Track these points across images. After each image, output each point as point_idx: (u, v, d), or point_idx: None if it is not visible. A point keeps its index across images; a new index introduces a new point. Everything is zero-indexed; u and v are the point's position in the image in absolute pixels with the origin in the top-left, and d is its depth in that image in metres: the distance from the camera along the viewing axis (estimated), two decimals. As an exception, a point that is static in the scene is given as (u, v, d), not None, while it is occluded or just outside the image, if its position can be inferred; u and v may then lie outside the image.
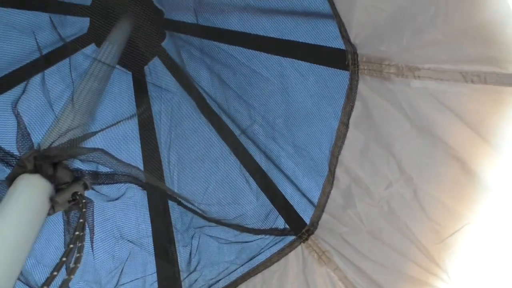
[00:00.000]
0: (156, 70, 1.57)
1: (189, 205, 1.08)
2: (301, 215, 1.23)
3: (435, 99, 0.83)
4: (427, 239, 0.96)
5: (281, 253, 1.22)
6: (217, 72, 1.44)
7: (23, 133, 0.75)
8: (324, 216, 1.16)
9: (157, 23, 1.47)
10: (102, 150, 0.75)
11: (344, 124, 0.99)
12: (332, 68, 1.04)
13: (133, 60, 1.44)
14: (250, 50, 1.27)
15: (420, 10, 0.74)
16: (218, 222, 1.13)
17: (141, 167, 1.46)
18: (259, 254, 1.21)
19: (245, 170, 1.22)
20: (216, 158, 1.30)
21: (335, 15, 0.85)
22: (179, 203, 1.09)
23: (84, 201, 0.69)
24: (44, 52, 1.43)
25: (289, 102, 1.24)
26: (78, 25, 1.49)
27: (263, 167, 1.24)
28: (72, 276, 0.61)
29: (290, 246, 1.22)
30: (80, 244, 0.63)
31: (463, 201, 0.90)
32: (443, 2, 0.71)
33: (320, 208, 1.16)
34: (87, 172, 0.75)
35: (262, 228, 1.19)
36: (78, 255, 0.63)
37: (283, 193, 1.25)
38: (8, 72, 1.33)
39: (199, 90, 1.48)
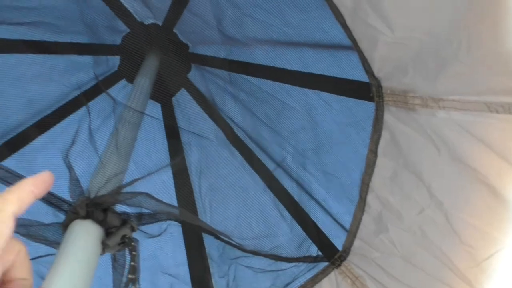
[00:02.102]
0: (183, 100, 1.63)
1: (225, 239, 1.11)
2: (333, 242, 1.26)
3: (461, 127, 0.86)
4: (462, 263, 0.97)
5: (315, 280, 1.24)
6: (243, 101, 1.49)
7: (74, 181, 0.80)
8: (356, 242, 1.18)
9: (183, 56, 1.54)
10: (146, 194, 0.80)
11: (373, 152, 1.02)
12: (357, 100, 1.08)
13: (161, 92, 1.50)
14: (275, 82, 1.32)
15: (443, 44, 0.77)
16: (254, 252, 1.16)
17: (174, 197, 1.52)
18: (294, 281, 1.24)
19: (279, 203, 1.25)
20: (250, 193, 1.34)
21: (357, 52, 0.89)
22: (216, 237, 1.13)
23: (133, 244, 0.73)
24: (81, 90, 1.52)
25: (317, 130, 1.28)
26: (109, 63, 1.57)
27: (295, 197, 1.27)
28: None
29: (323, 273, 1.24)
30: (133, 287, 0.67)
31: (496, 225, 0.91)
32: (465, 36, 0.73)
33: (352, 234, 1.18)
34: (132, 214, 0.80)
35: (296, 257, 1.22)
36: None
37: (315, 220, 1.28)
38: (50, 112, 1.41)
39: (227, 119, 1.53)
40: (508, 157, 0.83)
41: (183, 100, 1.61)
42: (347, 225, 1.26)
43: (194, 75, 1.60)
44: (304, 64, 1.23)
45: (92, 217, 0.72)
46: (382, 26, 0.79)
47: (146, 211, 0.84)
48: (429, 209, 0.97)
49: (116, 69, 1.58)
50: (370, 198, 1.08)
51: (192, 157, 1.63)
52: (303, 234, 1.25)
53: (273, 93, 1.38)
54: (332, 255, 1.25)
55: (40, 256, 0.86)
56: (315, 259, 1.23)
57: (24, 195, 0.44)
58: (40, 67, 1.37)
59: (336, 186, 1.31)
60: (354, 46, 0.89)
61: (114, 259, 0.83)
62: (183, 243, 1.48)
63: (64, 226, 0.72)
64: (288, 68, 1.26)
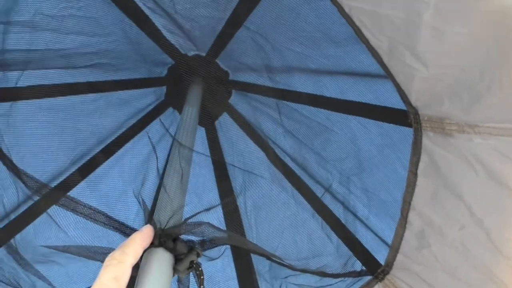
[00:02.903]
0: (226, 125, 1.74)
1: (276, 259, 1.20)
2: (376, 257, 1.33)
3: (497, 151, 0.92)
4: (505, 276, 1.02)
5: (360, 292, 1.32)
6: (285, 125, 1.59)
7: (147, 215, 0.91)
8: (399, 257, 1.24)
9: (224, 83, 1.65)
10: (208, 224, 0.90)
11: (413, 173, 1.09)
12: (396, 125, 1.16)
13: (205, 117, 1.61)
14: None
15: (476, 80, 0.84)
16: (303, 270, 1.24)
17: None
18: (340, 294, 1.32)
19: (326, 225, 1.34)
20: (298, 220, 1.43)
21: (395, 85, 0.97)
22: (268, 258, 1.22)
23: (200, 268, 0.83)
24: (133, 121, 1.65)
25: (357, 153, 1.36)
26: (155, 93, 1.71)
27: (341, 218, 1.35)
28: None
29: (368, 286, 1.31)
30: None
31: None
32: (496, 75, 0.81)
33: (394, 249, 1.25)
34: (196, 242, 0.90)
35: (342, 273, 1.29)
36: None
37: (358, 238, 1.35)
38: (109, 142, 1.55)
39: (271, 144, 1.62)
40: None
41: (225, 124, 1.72)
42: (389, 241, 1.33)
43: (235, 100, 1.71)
44: (341, 91, 1.31)
45: (164, 245, 0.82)
46: (417, 64, 0.87)
47: (207, 237, 0.94)
48: (469, 227, 1.03)
49: (163, 98, 1.71)
50: (411, 216, 1.15)
51: (236, 177, 1.73)
52: (348, 252, 1.33)
53: (311, 116, 1.47)
54: (375, 270, 1.32)
55: None
56: (359, 274, 1.31)
57: (137, 247, 0.57)
58: (97, 103, 1.52)
59: (377, 204, 1.39)
60: (392, 80, 0.97)
61: (179, 281, 0.94)
62: (232, 258, 1.58)
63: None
64: (327, 95, 1.35)
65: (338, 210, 1.42)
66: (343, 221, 1.41)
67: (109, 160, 1.55)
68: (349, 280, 1.31)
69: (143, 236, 0.59)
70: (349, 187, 1.41)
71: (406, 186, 1.13)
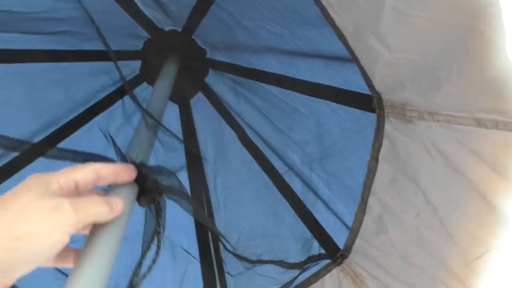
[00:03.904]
0: (200, 103, 1.73)
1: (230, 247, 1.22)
2: (336, 241, 1.34)
3: (455, 140, 0.93)
4: (455, 262, 1.05)
5: (317, 276, 1.34)
6: (258, 106, 1.58)
7: (118, 152, 0.93)
8: (357, 242, 1.26)
9: (201, 61, 1.63)
10: (177, 178, 0.95)
11: (374, 159, 1.10)
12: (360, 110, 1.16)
13: (180, 94, 1.60)
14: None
15: (435, 67, 0.85)
16: (259, 262, 1.26)
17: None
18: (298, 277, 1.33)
19: (286, 202, 1.35)
20: (261, 192, 1.43)
21: (360, 69, 0.97)
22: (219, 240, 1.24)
23: (160, 206, 0.92)
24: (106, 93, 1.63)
25: (324, 135, 1.36)
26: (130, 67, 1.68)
27: (301, 197, 1.37)
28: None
29: (326, 269, 1.33)
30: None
31: (486, 228, 0.98)
32: (455, 63, 0.81)
33: (353, 233, 1.26)
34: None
35: (303, 261, 1.31)
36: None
37: (318, 219, 1.37)
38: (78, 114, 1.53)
39: (241, 122, 1.62)
40: (497, 168, 0.91)
41: (200, 103, 1.71)
42: (349, 225, 1.35)
43: (211, 79, 1.69)
44: (313, 74, 1.31)
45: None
46: (380, 47, 0.87)
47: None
48: (425, 213, 1.05)
49: (138, 72, 1.68)
50: (371, 201, 1.16)
51: (209, 157, 1.73)
52: (307, 233, 1.35)
53: (284, 99, 1.47)
54: (334, 253, 1.34)
55: None
56: (318, 258, 1.32)
57: (117, 172, 0.56)
58: (65, 73, 1.49)
59: (341, 189, 1.40)
60: (356, 64, 0.97)
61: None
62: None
63: None
64: (298, 78, 1.35)
65: (299, 190, 1.43)
66: (305, 203, 1.42)
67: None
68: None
69: (126, 169, 0.59)
70: (315, 169, 1.42)
71: (367, 172, 1.14)
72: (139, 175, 0.88)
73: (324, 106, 1.36)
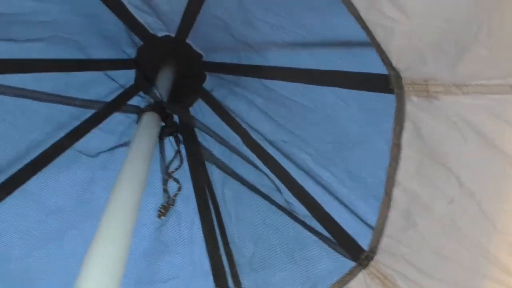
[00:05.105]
0: (201, 110, 1.64)
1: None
2: (359, 242, 1.23)
3: (488, 112, 0.84)
4: (499, 251, 0.94)
5: (342, 281, 1.22)
6: (260, 106, 1.49)
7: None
8: (384, 240, 1.15)
9: (197, 66, 1.55)
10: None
11: (397, 145, 1.00)
12: (376, 93, 1.06)
13: (178, 103, 1.51)
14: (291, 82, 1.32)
15: (462, 29, 0.76)
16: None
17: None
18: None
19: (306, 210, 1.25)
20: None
21: (374, 44, 0.88)
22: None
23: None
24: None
25: (336, 130, 1.27)
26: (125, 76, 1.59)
27: (317, 198, 1.27)
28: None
29: (351, 274, 1.21)
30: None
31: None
32: (485, 19, 0.72)
33: (378, 232, 1.15)
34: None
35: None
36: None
37: (338, 221, 1.26)
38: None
39: (244, 125, 1.52)
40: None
41: (200, 110, 1.62)
42: (373, 224, 1.24)
43: (210, 84, 1.61)
44: (318, 62, 1.22)
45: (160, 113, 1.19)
46: (398, 15, 0.79)
47: None
48: (459, 199, 0.95)
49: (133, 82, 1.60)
50: (396, 193, 1.06)
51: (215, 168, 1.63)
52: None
53: (289, 95, 1.38)
54: (358, 256, 1.23)
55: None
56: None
57: None
58: (55, 83, 1.39)
59: (359, 185, 1.29)
60: (370, 38, 0.88)
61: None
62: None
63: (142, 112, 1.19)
64: (302, 68, 1.26)
65: (321, 195, 1.33)
66: (325, 206, 1.31)
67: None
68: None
69: None
70: (328, 167, 1.32)
71: (390, 160, 1.04)
72: (163, 112, 1.17)
73: (333, 98, 1.26)
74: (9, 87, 1.14)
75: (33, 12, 1.11)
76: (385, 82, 0.96)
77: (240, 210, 1.60)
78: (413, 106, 0.94)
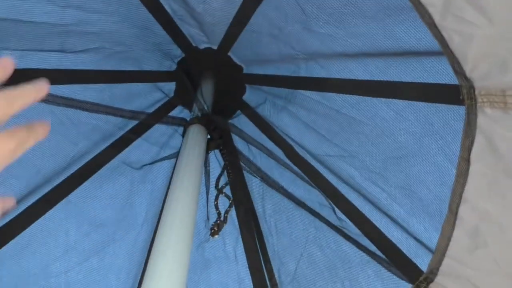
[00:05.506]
0: (240, 123, 1.60)
1: None
2: (416, 262, 1.16)
3: None
4: None
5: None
6: (304, 119, 1.44)
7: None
8: (446, 261, 1.07)
9: (237, 78, 1.52)
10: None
11: (465, 160, 0.94)
12: (437, 104, 1.01)
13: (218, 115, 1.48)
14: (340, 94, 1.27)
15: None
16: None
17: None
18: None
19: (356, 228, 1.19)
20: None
21: (446, 53, 0.82)
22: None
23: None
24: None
25: (387, 143, 1.21)
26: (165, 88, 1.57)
27: (373, 221, 1.20)
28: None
29: (409, 297, 1.14)
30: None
31: None
32: None
33: (439, 252, 1.08)
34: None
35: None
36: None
37: (393, 241, 1.19)
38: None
39: (287, 139, 1.48)
40: None
41: (239, 123, 1.59)
42: (430, 244, 1.17)
43: (249, 96, 1.57)
44: (371, 76, 1.17)
45: (206, 126, 1.24)
46: (480, 19, 0.73)
47: None
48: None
49: (172, 94, 1.57)
50: (463, 210, 0.98)
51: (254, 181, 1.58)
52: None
53: (337, 108, 1.33)
54: (416, 277, 1.15)
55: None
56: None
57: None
58: (101, 96, 1.38)
59: (412, 202, 1.23)
60: (442, 47, 0.83)
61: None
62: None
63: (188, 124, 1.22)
64: (352, 78, 1.21)
65: (370, 212, 1.26)
66: (376, 224, 1.24)
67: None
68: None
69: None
70: (381, 184, 1.25)
71: (456, 176, 0.97)
72: (209, 125, 1.22)
73: (387, 110, 1.20)
74: (62, 97, 1.11)
75: (79, 22, 1.09)
76: (455, 93, 0.90)
77: (280, 226, 1.55)
78: (486, 118, 0.88)
